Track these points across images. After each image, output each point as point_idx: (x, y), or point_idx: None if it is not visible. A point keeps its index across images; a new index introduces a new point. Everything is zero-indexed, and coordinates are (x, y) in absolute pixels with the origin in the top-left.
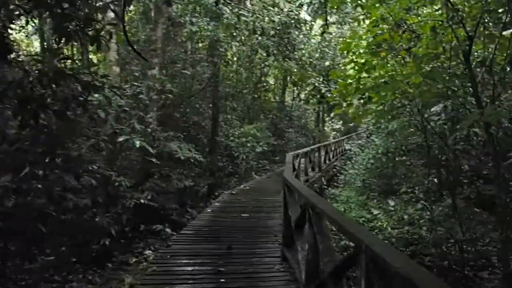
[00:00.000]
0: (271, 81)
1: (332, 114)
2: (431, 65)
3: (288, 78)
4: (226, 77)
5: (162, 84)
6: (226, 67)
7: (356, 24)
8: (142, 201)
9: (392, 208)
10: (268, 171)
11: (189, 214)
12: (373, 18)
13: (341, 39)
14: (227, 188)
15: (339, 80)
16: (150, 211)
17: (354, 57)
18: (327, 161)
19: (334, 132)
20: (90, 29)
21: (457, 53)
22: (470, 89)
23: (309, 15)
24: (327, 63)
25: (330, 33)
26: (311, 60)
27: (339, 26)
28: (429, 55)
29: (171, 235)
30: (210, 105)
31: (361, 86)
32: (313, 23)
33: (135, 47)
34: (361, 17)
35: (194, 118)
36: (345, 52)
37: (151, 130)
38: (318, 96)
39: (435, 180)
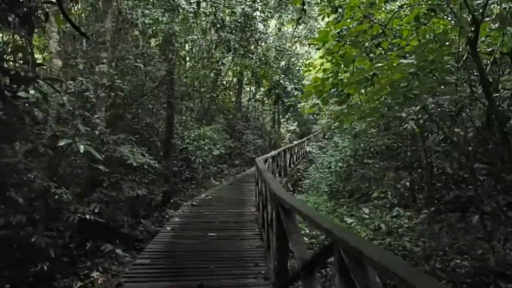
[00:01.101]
0: (229, 79)
1: (287, 116)
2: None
3: (247, 77)
4: (182, 74)
5: (111, 80)
6: (182, 64)
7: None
8: (87, 216)
9: (367, 216)
10: (227, 176)
11: (142, 226)
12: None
13: (296, 38)
14: (184, 196)
15: (306, 77)
16: (98, 225)
17: (331, 47)
18: (291, 165)
19: (290, 134)
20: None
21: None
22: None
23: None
24: (282, 63)
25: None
26: (272, 56)
27: (294, 24)
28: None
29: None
30: (165, 105)
31: (343, 81)
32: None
33: (80, 39)
34: (327, 10)
35: (147, 119)
36: (318, 44)
37: (98, 132)
38: (274, 96)
39: (407, 183)
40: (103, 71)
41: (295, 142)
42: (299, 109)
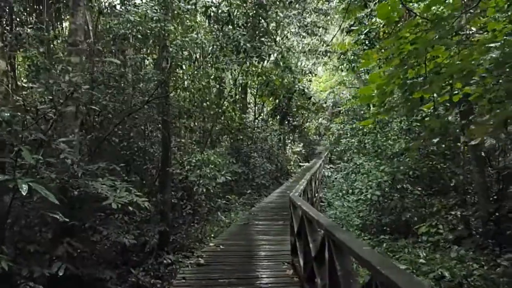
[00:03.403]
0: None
1: (291, 137)
2: None
3: (251, 92)
4: (179, 86)
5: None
6: (179, 73)
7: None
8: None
9: (423, 260)
10: (237, 209)
11: (134, 278)
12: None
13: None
14: (185, 238)
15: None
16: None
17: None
18: (316, 194)
19: (296, 156)
20: None
21: None
22: None
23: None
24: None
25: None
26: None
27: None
28: None
29: None
30: (159, 125)
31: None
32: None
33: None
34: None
35: (139, 143)
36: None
37: (70, 161)
38: (279, 116)
39: (458, 214)
40: (72, 79)
41: (316, 167)
42: (305, 129)
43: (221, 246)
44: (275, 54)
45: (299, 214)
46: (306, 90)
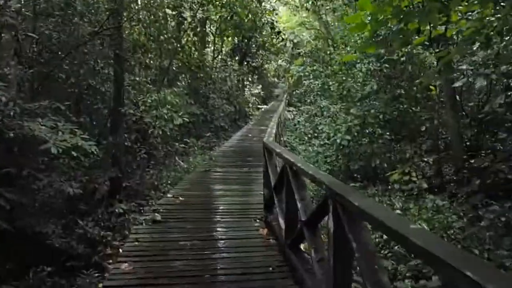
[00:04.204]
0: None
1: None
2: None
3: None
4: (133, 15)
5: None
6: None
7: None
8: None
9: (399, 211)
10: (198, 154)
11: (82, 229)
12: None
13: None
14: (140, 184)
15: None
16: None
17: None
18: (281, 139)
19: (254, 98)
20: None
21: None
22: None
23: None
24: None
25: None
26: None
27: None
28: None
29: None
30: (111, 61)
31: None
32: None
33: None
34: None
35: (90, 80)
36: None
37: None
38: (238, 56)
39: (430, 161)
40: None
41: (280, 110)
42: (264, 71)
43: (180, 198)
44: None
45: (277, 164)
46: (275, 24)
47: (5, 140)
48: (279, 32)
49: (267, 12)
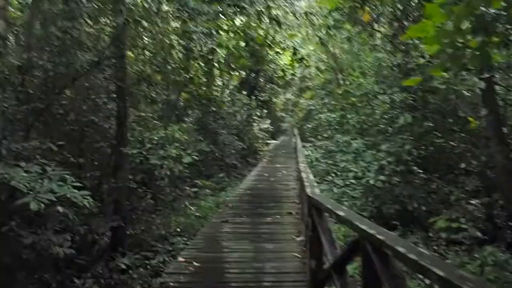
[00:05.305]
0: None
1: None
2: None
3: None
4: (137, 43)
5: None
6: (137, 28)
7: None
8: None
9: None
10: (209, 196)
11: None
12: None
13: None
14: (145, 233)
15: None
16: None
17: None
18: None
19: (263, 133)
20: None
21: None
22: None
23: None
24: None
25: None
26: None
27: None
28: None
29: None
30: (114, 94)
31: None
32: None
33: None
34: None
35: (91, 116)
36: None
37: None
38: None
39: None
40: None
41: (299, 147)
42: (273, 105)
43: (194, 263)
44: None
45: (330, 227)
46: (297, 49)
47: None
48: (302, 59)
49: (289, 35)
